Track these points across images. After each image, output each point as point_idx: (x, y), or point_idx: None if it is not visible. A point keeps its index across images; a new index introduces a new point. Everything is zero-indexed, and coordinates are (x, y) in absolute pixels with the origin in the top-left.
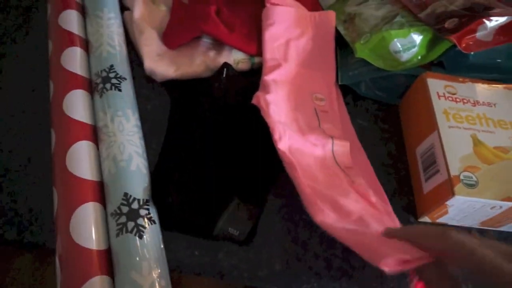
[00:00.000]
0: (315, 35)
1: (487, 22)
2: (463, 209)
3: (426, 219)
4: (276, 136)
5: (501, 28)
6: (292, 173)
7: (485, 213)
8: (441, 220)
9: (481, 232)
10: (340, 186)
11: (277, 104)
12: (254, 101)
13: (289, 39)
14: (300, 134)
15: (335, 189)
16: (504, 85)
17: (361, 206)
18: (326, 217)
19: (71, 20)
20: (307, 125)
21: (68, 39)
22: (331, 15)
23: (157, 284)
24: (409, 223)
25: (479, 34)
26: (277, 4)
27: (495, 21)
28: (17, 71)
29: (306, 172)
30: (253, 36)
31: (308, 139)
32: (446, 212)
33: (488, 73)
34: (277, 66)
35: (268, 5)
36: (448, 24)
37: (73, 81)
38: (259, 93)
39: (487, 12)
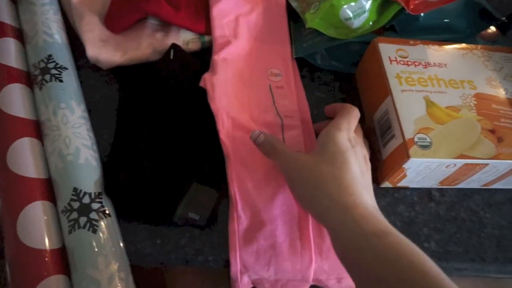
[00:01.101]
0: (266, 10)
1: None
2: (420, 171)
3: (387, 184)
4: (219, 125)
5: None
6: (227, 166)
7: (441, 172)
8: (401, 184)
9: (441, 191)
10: (276, 182)
11: (225, 86)
12: (201, 83)
13: (238, 15)
14: (248, 117)
15: (267, 189)
16: (453, 45)
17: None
18: (240, 224)
19: (0, 9)
20: (258, 106)
21: None
22: None
23: (116, 277)
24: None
25: None
26: None
27: None
28: None
29: (243, 167)
30: (201, 13)
31: (257, 122)
32: (405, 176)
33: (439, 34)
34: (227, 43)
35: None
36: None
37: (8, 75)
38: (206, 75)
39: None
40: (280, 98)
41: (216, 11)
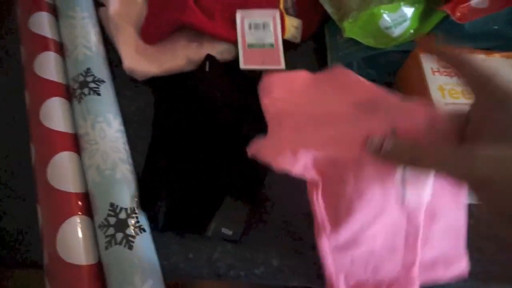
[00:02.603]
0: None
1: None
2: None
3: None
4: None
5: None
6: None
7: None
8: None
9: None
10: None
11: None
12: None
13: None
14: None
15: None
16: (500, 54)
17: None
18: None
19: (42, 23)
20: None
21: (41, 43)
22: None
23: None
24: None
25: (473, 1)
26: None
27: None
28: None
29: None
30: (234, 22)
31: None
32: None
33: (485, 41)
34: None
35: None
36: None
37: (49, 88)
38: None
39: None
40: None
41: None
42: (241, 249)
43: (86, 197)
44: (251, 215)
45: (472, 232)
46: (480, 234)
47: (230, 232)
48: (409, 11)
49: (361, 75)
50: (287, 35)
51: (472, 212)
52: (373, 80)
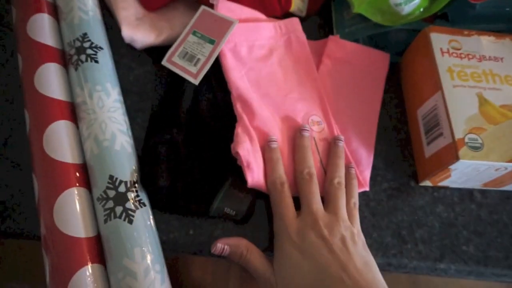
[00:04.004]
0: (288, 50)
1: None
2: (466, 173)
3: (427, 183)
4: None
5: None
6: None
7: (489, 175)
8: (443, 183)
9: (483, 193)
10: None
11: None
12: (233, 152)
13: (257, 63)
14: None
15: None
16: (510, 36)
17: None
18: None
19: None
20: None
21: (34, 4)
22: (296, 21)
23: (151, 270)
24: (410, 188)
25: None
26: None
27: None
28: None
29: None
30: None
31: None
32: (449, 176)
33: (496, 23)
34: (249, 104)
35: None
36: None
37: (44, 53)
38: (239, 149)
39: None
40: (325, 154)
41: (231, 63)
42: (242, 228)
43: (84, 168)
44: (255, 197)
45: (473, 216)
46: (481, 218)
47: (233, 212)
48: None
49: None
50: (293, 8)
51: (475, 197)
52: None
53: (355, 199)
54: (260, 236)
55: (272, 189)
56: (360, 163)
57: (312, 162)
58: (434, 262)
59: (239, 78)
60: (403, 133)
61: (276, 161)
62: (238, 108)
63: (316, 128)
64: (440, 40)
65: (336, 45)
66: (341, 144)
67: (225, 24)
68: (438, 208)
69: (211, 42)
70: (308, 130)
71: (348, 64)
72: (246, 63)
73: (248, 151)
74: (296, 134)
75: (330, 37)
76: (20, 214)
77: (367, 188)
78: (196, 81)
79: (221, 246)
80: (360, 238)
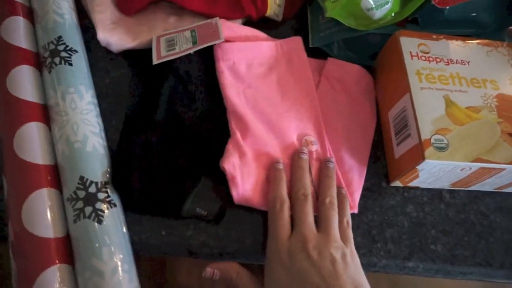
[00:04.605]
0: (288, 69)
1: None
2: (434, 173)
3: (398, 183)
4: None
5: None
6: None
7: (455, 175)
8: (412, 184)
9: (452, 193)
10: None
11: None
12: (220, 167)
13: (255, 80)
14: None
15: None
16: (477, 41)
17: None
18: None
19: None
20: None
21: (8, 7)
22: (298, 40)
23: (119, 269)
24: (382, 189)
25: None
26: (232, 40)
27: None
28: None
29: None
30: None
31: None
32: (417, 176)
33: (464, 28)
34: (243, 121)
35: (222, 43)
36: None
37: (17, 55)
38: (225, 163)
39: None
40: (317, 175)
41: (228, 80)
42: (214, 228)
43: (55, 170)
44: (227, 196)
45: (441, 216)
46: (449, 218)
47: (204, 212)
48: None
49: (341, 57)
50: (269, 12)
51: (444, 197)
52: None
53: (348, 218)
54: (232, 236)
55: (271, 207)
56: (351, 184)
57: (309, 183)
58: (403, 261)
59: (235, 95)
60: (376, 135)
61: (280, 180)
62: (232, 124)
63: (309, 148)
64: (409, 43)
65: (334, 66)
66: (332, 165)
67: (214, 38)
68: (408, 208)
69: (194, 43)
70: (306, 153)
71: (345, 85)
72: (245, 81)
73: (234, 166)
74: (294, 156)
75: (329, 59)
76: None
77: (355, 211)
78: (155, 61)
79: (211, 270)
80: (354, 259)
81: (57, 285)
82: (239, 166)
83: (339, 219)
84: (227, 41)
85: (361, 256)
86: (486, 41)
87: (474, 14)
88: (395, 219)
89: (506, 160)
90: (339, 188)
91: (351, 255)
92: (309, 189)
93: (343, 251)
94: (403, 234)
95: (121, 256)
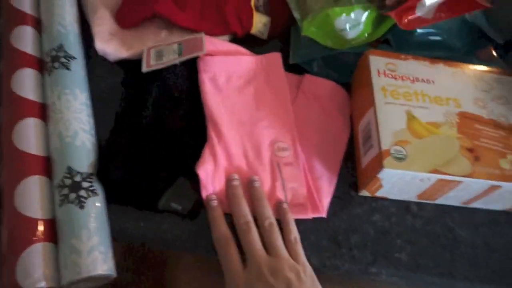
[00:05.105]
0: (266, 82)
1: None
2: (394, 182)
3: (365, 193)
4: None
5: (442, 5)
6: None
7: (417, 186)
8: (379, 193)
9: (419, 205)
10: None
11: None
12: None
13: (233, 91)
14: None
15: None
16: (446, 63)
17: None
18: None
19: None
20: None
21: (19, 17)
22: (277, 56)
23: (95, 250)
24: (350, 197)
25: (419, 11)
26: (214, 54)
27: None
28: None
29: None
30: (205, 13)
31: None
32: (381, 186)
33: (435, 50)
34: (219, 127)
35: (204, 56)
36: (388, 0)
37: (23, 59)
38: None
39: None
40: (289, 181)
41: (209, 89)
42: (188, 223)
43: (47, 161)
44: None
45: (407, 226)
46: (415, 229)
47: (179, 207)
48: (362, 15)
49: (321, 74)
50: (254, 30)
51: (410, 207)
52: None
53: (295, 234)
54: (205, 228)
55: (217, 247)
56: (321, 190)
57: (247, 210)
58: (366, 266)
59: (214, 103)
60: (350, 147)
61: (219, 217)
62: (210, 129)
63: (281, 153)
64: (378, 62)
65: (310, 82)
66: (257, 184)
67: (197, 50)
68: (375, 217)
69: (180, 54)
70: (237, 179)
71: (321, 100)
72: (224, 91)
73: (207, 173)
74: (226, 184)
75: (305, 75)
76: None
77: (324, 215)
78: (144, 70)
79: None
80: (307, 274)
81: (41, 258)
82: (212, 172)
83: (285, 238)
84: (210, 54)
85: (325, 259)
86: (453, 62)
87: (444, 37)
88: (361, 226)
89: (463, 173)
90: (280, 203)
91: (304, 270)
92: (248, 215)
93: (296, 270)
94: (368, 241)
95: (97, 238)
